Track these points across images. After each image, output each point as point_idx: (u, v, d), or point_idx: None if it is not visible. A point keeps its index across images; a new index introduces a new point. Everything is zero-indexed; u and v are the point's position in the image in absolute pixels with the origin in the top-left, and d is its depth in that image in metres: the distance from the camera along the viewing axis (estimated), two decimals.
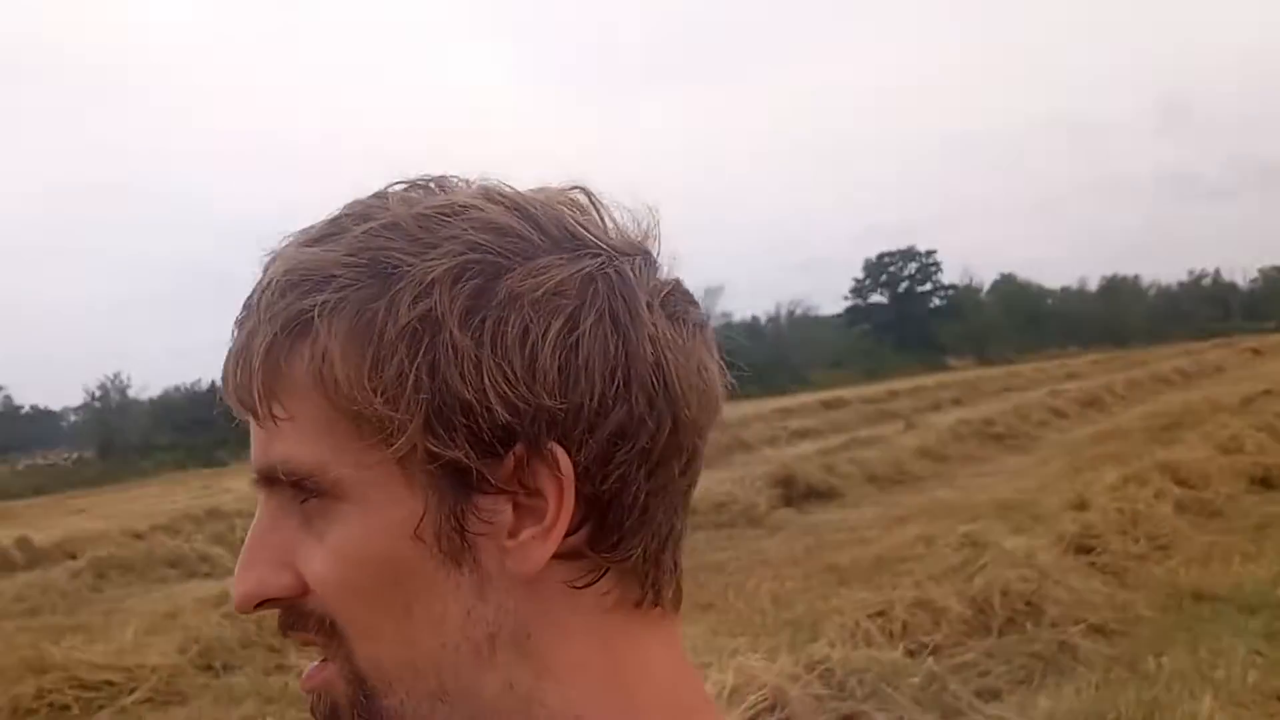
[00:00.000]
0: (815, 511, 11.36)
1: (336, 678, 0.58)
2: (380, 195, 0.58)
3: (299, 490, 0.56)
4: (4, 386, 48.21)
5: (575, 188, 0.60)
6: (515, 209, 0.57)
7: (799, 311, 64.70)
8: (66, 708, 6.29)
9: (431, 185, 0.59)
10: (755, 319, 65.90)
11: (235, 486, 19.15)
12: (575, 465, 0.54)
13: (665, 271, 0.60)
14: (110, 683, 6.44)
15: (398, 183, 0.59)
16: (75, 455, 42.61)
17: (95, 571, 11.24)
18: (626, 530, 0.56)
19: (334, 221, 0.57)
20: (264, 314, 0.55)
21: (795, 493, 11.86)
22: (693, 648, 5.72)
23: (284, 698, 6.21)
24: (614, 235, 0.59)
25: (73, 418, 60.96)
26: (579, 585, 0.57)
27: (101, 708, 6.30)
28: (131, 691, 6.39)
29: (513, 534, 0.55)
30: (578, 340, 0.54)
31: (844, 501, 11.84)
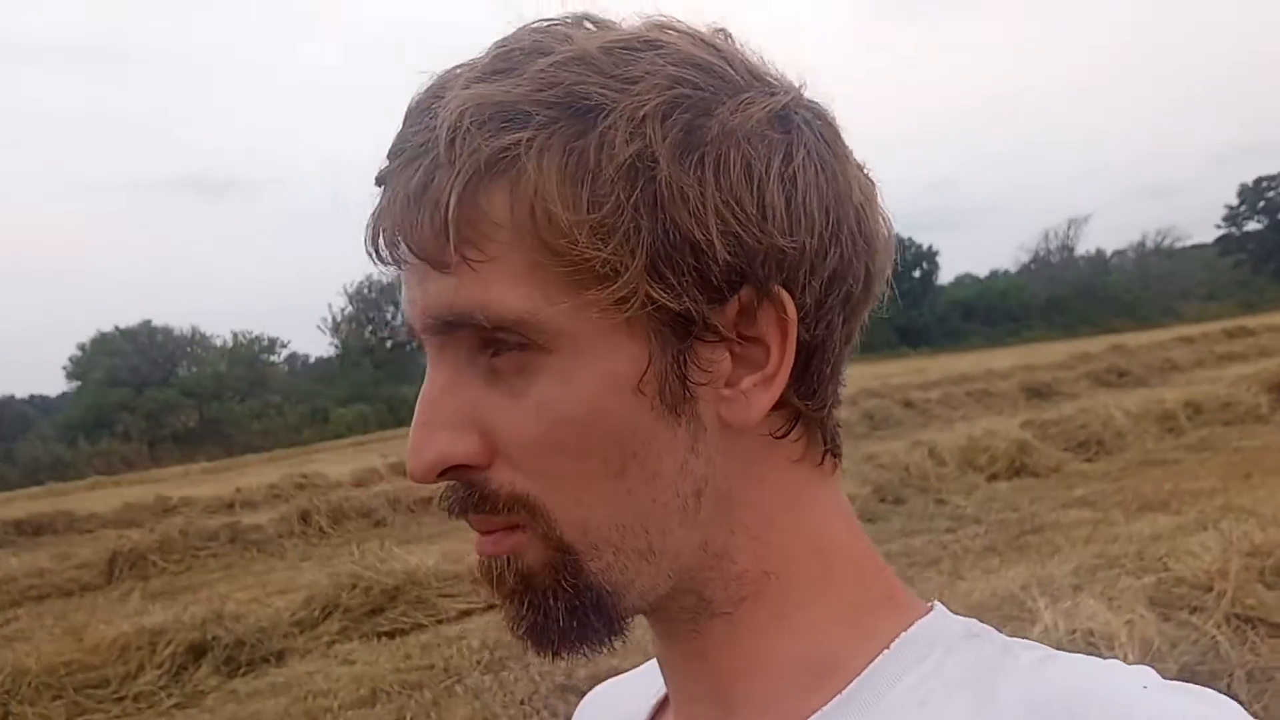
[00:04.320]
0: None
1: (532, 544, 0.54)
2: (543, 30, 0.53)
3: (491, 342, 0.51)
4: None
5: (719, 30, 0.55)
6: (704, 43, 0.53)
7: (1166, 242, 61.31)
8: None
9: (586, 22, 0.53)
10: (1100, 251, 63.36)
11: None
12: (797, 309, 0.51)
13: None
14: None
15: (543, 19, 0.54)
16: None
17: None
18: (825, 379, 0.55)
19: (503, 56, 0.51)
20: (456, 151, 0.49)
21: None
22: None
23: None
24: (783, 77, 0.55)
25: None
26: (780, 435, 0.55)
27: None
28: None
29: (730, 383, 0.53)
30: (796, 176, 0.51)
31: None
